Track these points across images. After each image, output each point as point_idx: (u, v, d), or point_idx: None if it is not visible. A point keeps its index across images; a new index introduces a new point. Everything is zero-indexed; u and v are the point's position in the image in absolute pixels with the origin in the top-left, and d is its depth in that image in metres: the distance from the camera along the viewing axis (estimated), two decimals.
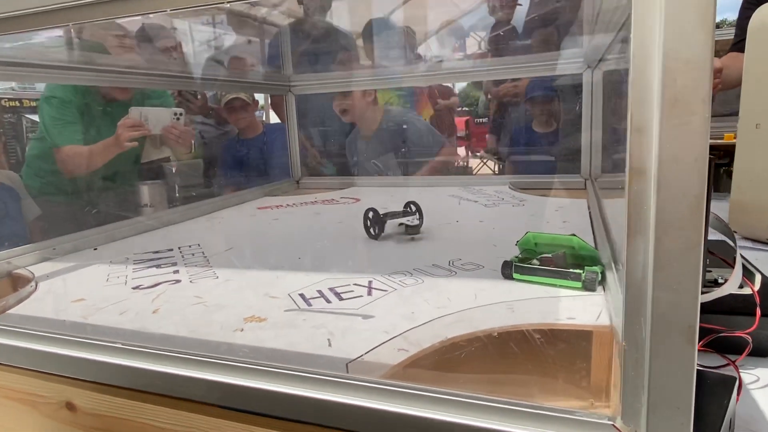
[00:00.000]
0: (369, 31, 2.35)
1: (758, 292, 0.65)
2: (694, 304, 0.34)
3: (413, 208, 1.14)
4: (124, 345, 0.55)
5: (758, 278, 0.70)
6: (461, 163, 3.57)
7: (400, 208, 1.16)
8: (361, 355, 0.53)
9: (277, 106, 2.44)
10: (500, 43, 2.32)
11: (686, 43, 0.31)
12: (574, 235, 0.78)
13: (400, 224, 1.10)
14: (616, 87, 1.47)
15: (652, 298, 0.34)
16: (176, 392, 0.51)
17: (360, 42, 2.41)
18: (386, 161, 2.01)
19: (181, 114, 1.78)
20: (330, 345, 0.56)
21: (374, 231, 1.08)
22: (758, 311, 0.63)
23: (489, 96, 2.88)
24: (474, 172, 3.62)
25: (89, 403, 0.57)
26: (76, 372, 0.57)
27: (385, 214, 1.09)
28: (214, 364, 0.50)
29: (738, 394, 0.59)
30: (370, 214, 1.09)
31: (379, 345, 0.56)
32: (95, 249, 1.13)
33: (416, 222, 1.09)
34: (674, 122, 0.32)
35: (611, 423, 0.38)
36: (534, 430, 0.40)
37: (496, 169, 3.94)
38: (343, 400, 0.45)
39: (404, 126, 2.02)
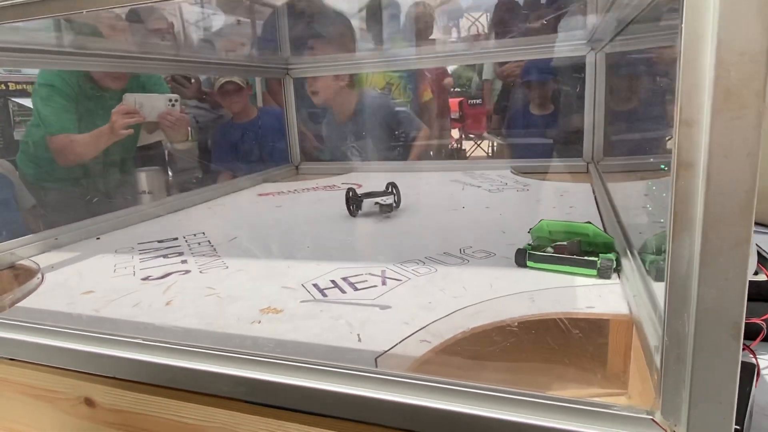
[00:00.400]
0: (372, 9, 2.29)
1: None
2: (740, 301, 0.33)
3: (391, 188, 1.22)
4: (145, 341, 0.54)
5: None
6: (455, 145, 3.54)
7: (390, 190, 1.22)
8: (389, 349, 0.53)
9: (273, 92, 2.40)
10: (505, 23, 2.28)
11: (742, 34, 0.30)
12: (590, 222, 0.78)
13: (376, 203, 1.18)
14: (626, 69, 1.46)
15: (697, 295, 0.34)
16: (201, 388, 0.51)
17: (357, 22, 2.36)
18: (364, 146, 1.99)
19: (176, 100, 1.75)
20: (360, 340, 0.56)
21: (352, 209, 1.18)
22: None
23: (483, 77, 2.85)
24: (467, 155, 3.61)
25: (109, 398, 0.56)
26: (95, 368, 0.56)
27: (363, 194, 1.20)
28: (241, 359, 0.49)
29: (756, 380, 0.60)
30: (350, 194, 1.19)
31: (407, 337, 0.55)
32: (98, 238, 1.11)
33: (389, 201, 1.18)
34: (727, 116, 0.31)
35: (650, 417, 0.38)
36: (572, 425, 0.40)
37: (490, 151, 3.92)
38: (375, 395, 0.45)
39: (382, 111, 1.99)
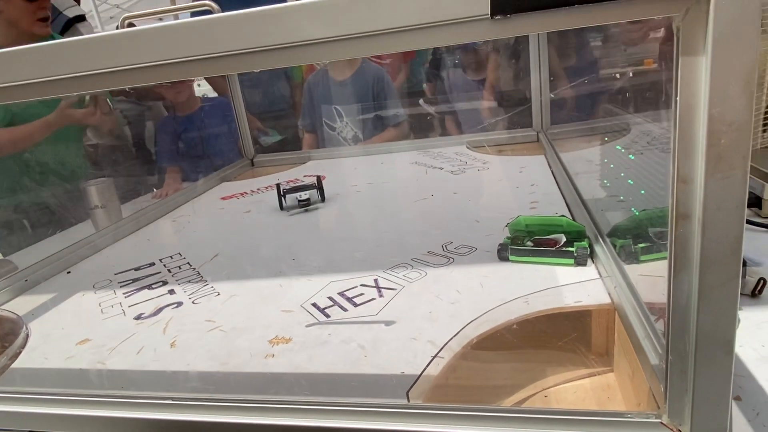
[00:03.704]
0: None
1: None
2: (732, 323, 0.39)
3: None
4: (175, 400, 0.55)
5: None
6: None
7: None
8: (415, 381, 0.57)
9: (213, 78, 2.30)
10: None
11: (730, 107, 0.34)
12: (563, 215, 0.83)
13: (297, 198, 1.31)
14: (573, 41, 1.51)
15: (696, 321, 0.40)
16: None
17: None
18: (349, 110, 1.97)
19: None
20: (393, 376, 0.59)
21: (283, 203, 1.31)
22: None
23: None
24: None
25: None
26: (128, 431, 0.57)
27: (288, 189, 1.33)
28: (281, 409, 0.52)
29: None
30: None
31: (428, 365, 0.59)
32: (68, 272, 1.07)
33: (305, 197, 1.30)
34: (718, 176, 0.36)
35: (659, 420, 0.45)
36: None
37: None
38: (412, 428, 0.49)
39: (377, 82, 1.97)
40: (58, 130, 1.55)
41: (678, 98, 0.36)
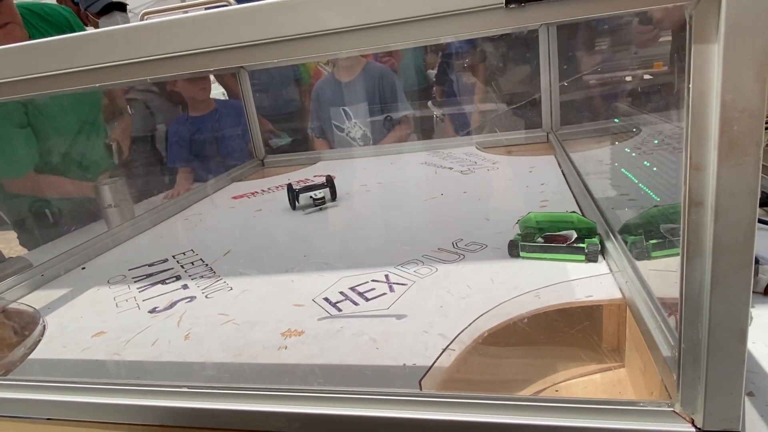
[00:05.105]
0: None
1: None
2: (745, 311, 0.39)
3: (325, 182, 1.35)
4: (191, 388, 0.56)
5: None
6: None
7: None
8: (428, 371, 0.57)
9: (226, 80, 2.33)
10: None
11: (743, 94, 0.35)
12: (574, 212, 0.84)
13: (311, 197, 1.30)
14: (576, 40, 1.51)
15: (709, 309, 0.40)
16: (256, 427, 0.54)
17: None
18: (357, 110, 1.99)
19: None
20: (405, 366, 0.60)
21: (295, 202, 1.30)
22: None
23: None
24: None
25: None
26: (142, 419, 0.58)
27: (300, 189, 1.32)
28: (293, 397, 0.53)
29: None
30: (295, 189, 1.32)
31: (440, 355, 0.60)
32: (83, 268, 1.09)
33: (320, 195, 1.29)
34: (731, 163, 0.36)
35: (671, 409, 0.45)
36: (605, 424, 0.46)
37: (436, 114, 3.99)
38: (424, 416, 0.49)
39: (383, 80, 1.97)
40: (84, 127, 1.58)
41: (691, 85, 0.36)
